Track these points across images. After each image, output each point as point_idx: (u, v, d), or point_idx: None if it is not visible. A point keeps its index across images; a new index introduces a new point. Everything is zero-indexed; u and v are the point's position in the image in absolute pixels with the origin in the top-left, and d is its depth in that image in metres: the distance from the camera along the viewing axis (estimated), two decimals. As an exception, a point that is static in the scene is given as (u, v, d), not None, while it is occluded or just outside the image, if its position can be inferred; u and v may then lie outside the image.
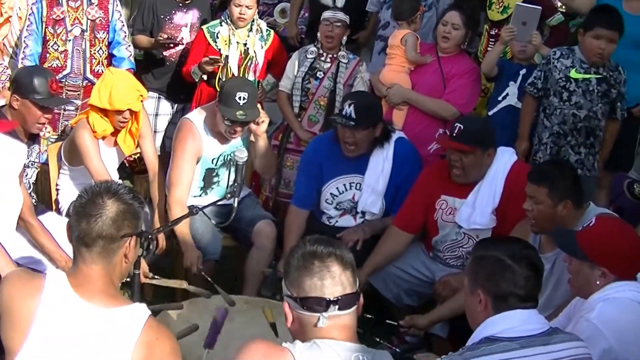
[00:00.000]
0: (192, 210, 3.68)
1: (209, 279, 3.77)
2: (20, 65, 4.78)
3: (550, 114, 4.51)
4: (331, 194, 4.38)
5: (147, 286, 4.40)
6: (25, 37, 4.87)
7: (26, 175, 4.08)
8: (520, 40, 4.70)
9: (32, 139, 4.15)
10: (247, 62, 5.09)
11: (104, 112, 4.16)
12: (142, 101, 4.22)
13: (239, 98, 4.15)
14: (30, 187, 4.16)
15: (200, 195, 4.45)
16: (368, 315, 3.56)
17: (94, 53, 4.99)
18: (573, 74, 4.44)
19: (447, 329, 3.91)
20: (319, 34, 5.01)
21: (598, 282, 2.75)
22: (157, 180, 4.37)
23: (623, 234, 2.83)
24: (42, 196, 4.61)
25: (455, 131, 3.88)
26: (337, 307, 2.12)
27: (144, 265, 3.89)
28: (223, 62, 5.00)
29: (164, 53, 5.30)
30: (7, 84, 4.61)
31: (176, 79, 5.29)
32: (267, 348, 2.12)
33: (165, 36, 5.13)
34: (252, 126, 4.31)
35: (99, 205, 2.23)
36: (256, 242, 4.34)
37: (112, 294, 2.25)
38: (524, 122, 4.64)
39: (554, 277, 3.41)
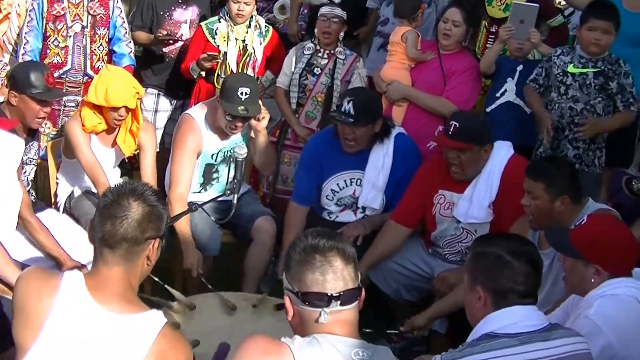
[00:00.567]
0: (192, 207, 3.69)
1: (209, 285, 3.75)
2: (20, 61, 4.79)
3: (550, 109, 4.52)
4: (332, 190, 4.38)
5: (145, 283, 4.41)
6: (25, 33, 4.87)
7: (24, 173, 4.09)
8: (519, 38, 4.69)
9: (31, 135, 4.16)
10: (246, 58, 5.09)
11: (99, 109, 4.14)
12: (139, 99, 4.19)
13: (241, 93, 4.15)
14: (28, 184, 4.16)
15: (199, 192, 4.45)
16: (367, 330, 3.58)
17: (95, 49, 4.99)
18: (570, 68, 4.44)
19: (446, 326, 3.92)
20: (316, 30, 5.00)
21: (593, 280, 2.75)
22: None
23: (615, 231, 2.83)
24: (41, 193, 4.61)
25: (451, 129, 3.88)
26: (338, 302, 2.11)
27: None
28: (221, 58, 5.01)
29: (163, 50, 5.30)
30: (6, 81, 4.61)
31: (175, 76, 5.29)
32: (265, 344, 2.11)
33: (165, 32, 5.13)
34: (253, 122, 4.31)
35: (125, 207, 2.20)
36: (256, 239, 4.34)
37: (130, 298, 2.23)
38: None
39: (553, 273, 3.42)
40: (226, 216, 3.96)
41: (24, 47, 4.85)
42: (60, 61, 4.92)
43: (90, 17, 4.95)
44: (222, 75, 4.94)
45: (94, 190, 4.25)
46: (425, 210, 4.11)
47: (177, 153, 4.32)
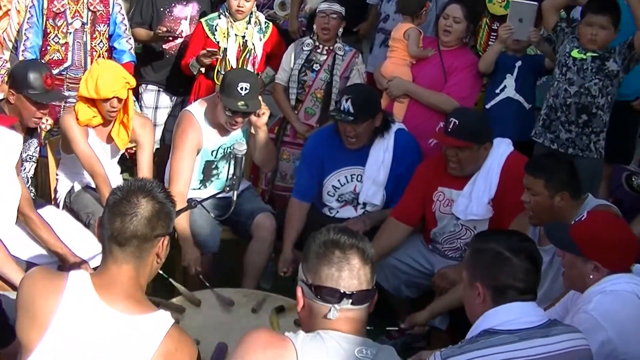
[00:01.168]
0: (191, 204, 3.68)
1: (207, 283, 3.75)
2: (20, 58, 4.79)
3: (551, 86, 4.58)
4: (333, 186, 4.38)
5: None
6: (25, 30, 4.86)
7: (24, 169, 4.09)
8: (518, 37, 4.69)
9: (30, 133, 4.16)
10: (246, 54, 5.09)
11: (92, 102, 4.15)
12: (130, 89, 4.18)
13: (241, 89, 4.15)
14: (28, 181, 4.16)
15: (199, 188, 4.46)
16: (368, 328, 3.58)
17: (95, 46, 4.99)
18: (574, 53, 4.49)
19: (446, 322, 3.92)
20: (314, 26, 5.00)
21: (591, 276, 2.75)
22: None
23: (615, 227, 2.83)
24: (41, 189, 4.61)
25: (450, 126, 3.87)
26: (350, 301, 2.11)
27: None
28: (221, 54, 5.00)
29: (164, 46, 5.30)
30: (7, 78, 4.61)
31: (175, 72, 5.29)
32: (268, 337, 2.11)
33: (164, 29, 5.12)
34: (253, 118, 4.31)
35: (134, 204, 2.20)
36: (255, 235, 4.34)
37: (138, 298, 2.22)
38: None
39: (553, 269, 3.42)
40: (226, 213, 3.96)
41: (24, 44, 4.85)
42: (60, 58, 4.93)
43: (90, 13, 4.94)
44: (222, 72, 4.93)
45: (93, 185, 4.25)
46: (425, 208, 4.11)
47: (176, 149, 4.32)
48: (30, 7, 4.86)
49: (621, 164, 5.25)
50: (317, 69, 4.99)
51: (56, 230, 3.81)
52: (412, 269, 4.17)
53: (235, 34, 5.07)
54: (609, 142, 4.64)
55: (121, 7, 5.07)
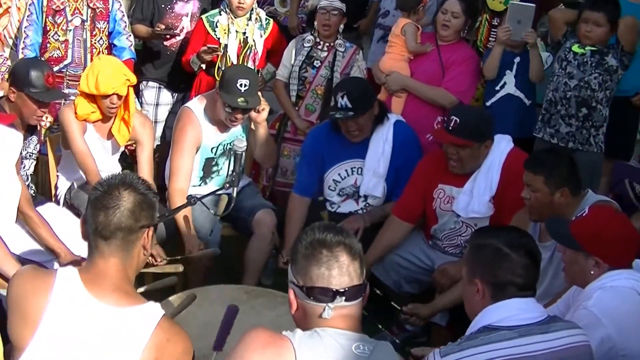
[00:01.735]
0: (190, 201, 3.69)
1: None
2: (20, 56, 4.79)
3: (551, 80, 4.61)
4: (334, 180, 4.38)
5: (147, 275, 4.43)
6: (25, 27, 4.87)
7: (23, 167, 4.09)
8: (516, 39, 4.70)
9: (31, 130, 4.15)
10: (246, 51, 5.09)
11: (92, 98, 4.15)
12: (130, 86, 4.18)
13: (241, 85, 4.15)
14: (28, 178, 4.16)
15: (199, 185, 4.46)
16: (377, 291, 3.58)
17: (95, 43, 4.99)
18: (574, 47, 4.52)
19: (446, 318, 3.93)
20: (315, 23, 5.00)
21: (592, 272, 2.76)
22: None
23: (616, 223, 2.83)
24: (42, 187, 4.61)
25: (451, 124, 3.86)
26: (343, 298, 2.11)
27: (158, 249, 3.90)
28: (222, 51, 5.00)
29: (164, 43, 5.30)
30: (7, 76, 4.61)
31: (176, 69, 5.29)
32: (266, 336, 2.11)
33: (163, 27, 5.12)
34: (253, 114, 4.31)
35: (116, 197, 2.21)
36: (256, 232, 4.34)
37: (127, 290, 2.23)
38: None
39: (553, 265, 3.42)
40: (226, 209, 3.96)
41: (23, 42, 4.85)
42: (60, 55, 4.93)
43: (89, 10, 4.95)
44: (223, 68, 4.93)
45: (92, 182, 4.25)
46: (425, 205, 4.11)
47: (176, 146, 4.32)
48: (29, 5, 4.86)
49: (621, 159, 5.24)
50: (317, 66, 4.99)
51: (56, 227, 3.81)
52: (412, 265, 4.17)
53: (236, 31, 5.07)
54: (609, 138, 4.65)
55: (121, 5, 5.07)
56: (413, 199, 4.12)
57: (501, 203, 3.87)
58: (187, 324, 3.18)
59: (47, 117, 4.64)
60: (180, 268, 3.81)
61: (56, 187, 4.44)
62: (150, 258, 3.57)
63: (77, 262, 3.60)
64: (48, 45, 4.92)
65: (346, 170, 4.38)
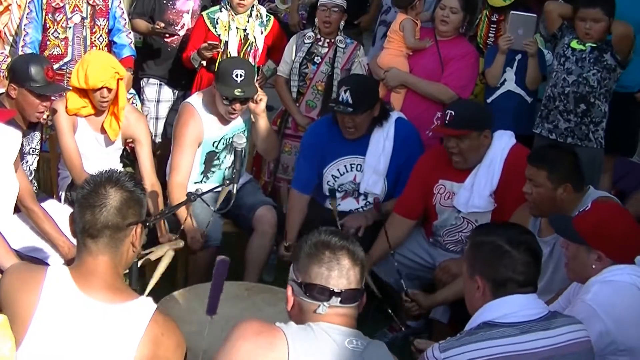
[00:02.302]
0: (190, 197, 3.68)
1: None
2: (20, 53, 4.79)
3: (549, 77, 4.63)
4: (332, 175, 4.38)
5: (148, 270, 4.43)
6: (25, 25, 4.87)
7: (26, 163, 4.09)
8: (517, 48, 4.72)
9: (33, 126, 4.16)
10: (247, 47, 5.08)
11: (84, 93, 4.15)
12: (119, 79, 4.16)
13: (236, 75, 4.15)
14: (31, 174, 4.17)
15: (201, 181, 4.46)
16: (375, 291, 3.58)
17: (95, 40, 5.00)
18: (573, 43, 4.52)
19: (448, 315, 3.93)
20: (316, 19, 4.99)
21: (594, 266, 2.75)
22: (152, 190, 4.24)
23: (619, 218, 2.84)
24: (43, 183, 4.61)
25: (448, 118, 3.86)
26: (339, 299, 2.13)
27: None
28: (222, 47, 5.00)
29: (165, 39, 5.29)
30: (7, 73, 4.61)
31: (177, 66, 5.29)
32: (259, 327, 2.13)
33: (162, 25, 5.12)
34: (251, 105, 4.31)
35: (102, 195, 2.20)
36: (257, 228, 4.34)
37: (118, 287, 2.23)
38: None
39: (553, 260, 3.41)
40: (226, 206, 3.96)
41: (23, 39, 4.86)
42: (60, 52, 4.93)
43: (89, 7, 4.95)
44: (223, 64, 4.93)
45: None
46: (426, 201, 4.10)
47: (177, 142, 4.32)
48: (29, 2, 4.86)
49: (624, 156, 5.24)
50: (318, 62, 4.98)
51: (58, 223, 3.81)
52: (414, 263, 4.17)
53: (237, 27, 5.06)
54: (611, 134, 4.65)
55: (120, 2, 5.07)
56: (414, 195, 4.11)
57: (502, 198, 3.86)
58: (187, 320, 3.20)
59: (47, 115, 4.64)
60: (180, 243, 3.78)
61: (57, 184, 4.44)
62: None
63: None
64: (48, 42, 4.93)
65: (345, 166, 4.37)
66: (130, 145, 4.70)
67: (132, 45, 5.10)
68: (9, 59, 4.84)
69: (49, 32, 4.91)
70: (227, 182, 3.83)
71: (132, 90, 5.19)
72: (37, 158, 4.31)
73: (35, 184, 4.27)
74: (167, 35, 5.20)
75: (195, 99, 4.40)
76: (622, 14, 4.48)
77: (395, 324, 4.19)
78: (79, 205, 2.23)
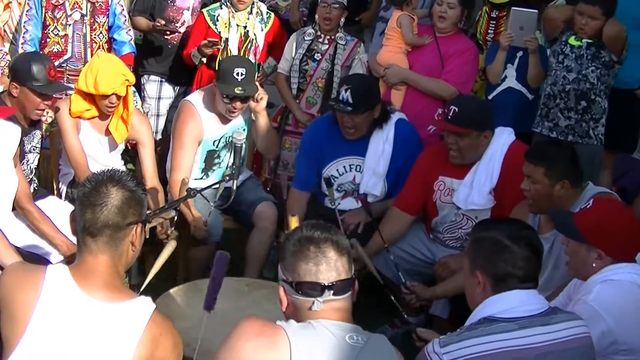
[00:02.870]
0: (190, 193, 3.68)
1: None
2: (20, 51, 4.79)
3: (548, 75, 4.62)
4: (331, 175, 4.38)
5: (148, 266, 4.43)
6: (24, 22, 4.87)
7: (27, 161, 4.09)
8: (519, 44, 4.71)
9: (34, 124, 4.16)
10: (247, 44, 5.08)
11: (90, 96, 4.14)
12: (129, 86, 4.17)
13: (237, 74, 4.15)
14: (32, 172, 4.17)
15: (201, 178, 4.46)
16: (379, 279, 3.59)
17: (95, 37, 4.99)
18: (571, 40, 4.52)
19: (448, 311, 3.93)
20: (316, 16, 4.99)
21: (594, 265, 2.75)
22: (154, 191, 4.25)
23: (620, 216, 2.83)
24: (44, 181, 4.62)
25: (450, 114, 3.87)
26: (331, 292, 2.13)
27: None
28: (222, 45, 4.99)
29: (166, 36, 5.29)
30: (6, 70, 4.61)
31: (178, 63, 5.28)
32: (260, 325, 2.12)
33: (163, 22, 5.11)
34: (252, 104, 4.31)
35: (103, 193, 2.19)
36: (257, 224, 4.34)
37: (117, 286, 2.22)
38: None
39: (553, 257, 3.41)
40: (226, 202, 3.96)
41: (23, 36, 4.86)
42: (60, 50, 4.93)
43: (89, 5, 4.95)
44: (223, 62, 4.92)
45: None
46: (426, 197, 4.10)
47: (177, 140, 4.33)
48: (29, 0, 4.86)
49: (625, 152, 5.24)
50: (318, 58, 4.98)
51: (58, 220, 3.81)
52: (414, 258, 4.17)
53: (237, 24, 5.06)
54: (611, 131, 4.65)
55: (120, -1, 5.08)
56: (413, 190, 4.11)
57: (502, 195, 3.87)
58: (187, 316, 3.20)
59: (48, 112, 4.64)
60: (172, 213, 3.78)
61: (58, 181, 4.45)
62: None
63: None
64: (48, 40, 4.92)
65: (344, 167, 4.37)
66: (130, 142, 4.71)
67: (132, 42, 5.10)
68: (8, 57, 4.84)
69: (48, 30, 4.91)
70: (227, 178, 3.83)
71: (132, 88, 5.19)
72: (38, 156, 4.31)
73: (36, 181, 4.28)
74: (168, 32, 5.19)
75: (196, 98, 4.40)
76: (620, 10, 4.47)
77: (396, 320, 4.21)
78: (80, 203, 2.22)
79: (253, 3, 5.09)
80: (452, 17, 4.71)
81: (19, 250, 3.57)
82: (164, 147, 4.98)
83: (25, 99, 3.92)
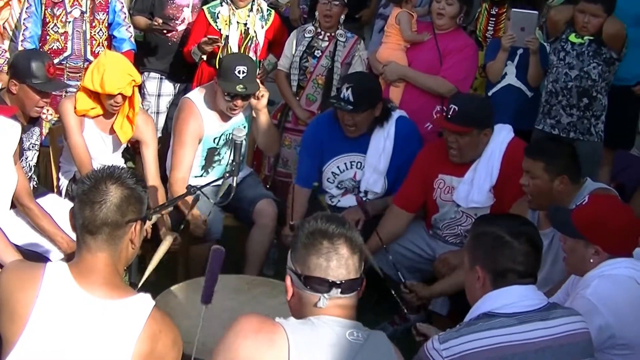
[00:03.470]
0: (190, 190, 3.68)
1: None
2: (20, 48, 4.79)
3: (549, 72, 4.62)
4: (332, 172, 4.38)
5: (147, 263, 4.44)
6: (24, 19, 4.87)
7: (26, 158, 4.09)
8: (520, 45, 4.71)
9: (33, 122, 4.16)
10: (248, 42, 5.09)
11: (95, 94, 4.14)
12: (135, 86, 4.17)
13: (238, 72, 4.15)
14: (31, 169, 4.17)
15: (201, 175, 4.46)
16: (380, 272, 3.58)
17: (94, 34, 4.99)
18: (572, 37, 4.53)
19: (447, 308, 3.93)
20: (317, 13, 4.99)
21: (592, 260, 2.76)
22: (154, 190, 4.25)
23: (616, 212, 2.83)
24: (44, 178, 4.62)
25: (450, 112, 3.86)
26: (339, 290, 2.11)
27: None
28: (223, 42, 5.00)
29: (166, 34, 5.29)
30: (5, 68, 4.61)
31: (178, 60, 5.29)
32: (258, 322, 2.10)
33: (160, 21, 5.11)
34: (253, 101, 4.31)
35: (102, 191, 2.18)
36: (257, 222, 4.34)
37: (116, 283, 2.21)
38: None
39: (552, 253, 3.41)
40: (226, 199, 3.96)
41: (23, 34, 4.86)
42: (60, 47, 4.93)
43: (89, 2, 4.94)
44: (223, 59, 4.92)
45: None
46: (426, 195, 4.11)
47: (177, 138, 4.32)
48: (28, -3, 4.86)
49: (622, 149, 5.24)
50: (318, 55, 4.99)
51: (57, 218, 3.81)
52: (414, 255, 4.17)
53: (237, 22, 5.07)
54: (609, 127, 4.65)
55: (120, -4, 5.07)
56: (413, 188, 4.11)
57: (501, 193, 3.86)
58: (187, 313, 3.21)
59: (47, 110, 4.64)
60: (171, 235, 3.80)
61: (58, 179, 4.45)
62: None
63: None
64: (47, 37, 4.92)
65: (345, 164, 4.37)
66: (130, 140, 4.72)
67: (132, 40, 5.10)
68: (7, 54, 4.84)
69: (48, 27, 4.91)
70: (227, 175, 3.83)
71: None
72: (37, 154, 4.31)
73: (35, 179, 4.28)
74: (165, 31, 5.19)
75: (196, 95, 4.40)
76: (619, 7, 4.48)
77: (395, 317, 4.21)
78: (79, 200, 2.21)
79: (253, 0, 5.09)
80: (451, 14, 4.70)
81: (18, 248, 3.56)
82: (164, 145, 4.98)
83: (24, 96, 3.92)
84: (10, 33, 4.96)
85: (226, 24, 5.04)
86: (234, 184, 3.78)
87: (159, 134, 5.33)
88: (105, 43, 5.01)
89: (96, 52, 4.93)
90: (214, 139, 4.41)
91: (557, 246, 3.31)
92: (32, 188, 4.01)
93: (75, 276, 2.17)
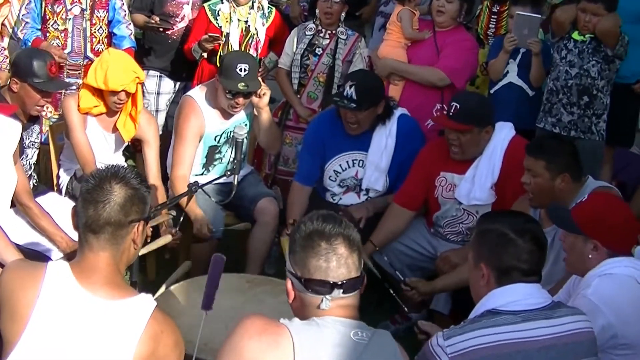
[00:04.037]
0: (191, 188, 3.68)
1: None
2: (20, 35, 4.77)
3: (551, 70, 4.63)
4: (334, 170, 4.37)
5: (149, 264, 4.43)
6: (23, 16, 4.87)
7: (26, 156, 4.09)
8: (523, 46, 4.70)
9: (33, 119, 4.15)
10: (248, 39, 5.08)
11: (99, 92, 4.13)
12: (139, 84, 4.17)
13: (240, 70, 4.15)
14: (31, 167, 4.16)
15: (202, 174, 4.45)
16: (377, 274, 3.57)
17: (94, 32, 4.99)
18: (574, 35, 4.54)
19: (449, 307, 3.92)
20: (317, 11, 4.98)
21: (591, 256, 2.76)
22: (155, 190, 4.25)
23: (615, 207, 2.85)
24: (44, 176, 4.61)
25: (452, 110, 3.86)
26: (341, 290, 2.10)
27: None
28: (223, 39, 4.99)
29: (166, 32, 5.27)
30: (4, 66, 4.60)
31: (178, 57, 5.27)
32: (263, 324, 2.09)
33: (157, 19, 5.10)
34: (254, 99, 4.31)
35: (107, 190, 2.18)
36: (259, 220, 4.34)
37: (118, 283, 2.21)
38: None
39: (554, 251, 3.40)
40: (228, 197, 3.95)
41: (22, 30, 4.85)
42: (60, 44, 4.92)
43: (89, -1, 4.94)
44: (224, 57, 4.91)
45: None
46: (428, 193, 4.10)
47: (179, 135, 4.32)
48: (28, -7, 4.85)
49: (623, 147, 5.24)
50: (319, 53, 4.98)
51: (58, 217, 3.80)
52: (415, 253, 4.17)
53: (238, 19, 5.06)
54: (609, 125, 4.65)
55: (120, -7, 5.06)
56: (414, 186, 4.11)
57: (503, 190, 3.87)
58: (187, 313, 3.20)
59: (47, 108, 4.63)
60: (174, 213, 3.77)
61: (58, 177, 4.45)
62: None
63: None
64: (47, 34, 4.91)
65: (347, 162, 4.36)
66: (132, 139, 4.71)
67: (132, 37, 5.09)
68: (6, 52, 4.84)
69: (48, 24, 4.90)
70: (228, 173, 3.83)
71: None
72: (37, 151, 4.30)
73: (35, 177, 4.27)
74: (162, 29, 5.17)
75: (197, 93, 4.39)
76: (619, 4, 4.48)
77: (397, 316, 4.20)
78: (83, 199, 2.20)
79: (254, -2, 5.08)
80: (451, 12, 4.69)
81: (19, 247, 3.55)
82: (164, 143, 4.98)
83: (25, 95, 3.92)
84: (10, 30, 4.95)
85: (227, 22, 5.03)
86: (235, 182, 3.77)
87: (159, 133, 5.32)
88: (105, 40, 5.01)
89: (96, 49, 4.94)
90: (215, 137, 4.41)
91: (559, 244, 3.30)
92: (32, 186, 4.00)
93: (77, 276, 2.17)
